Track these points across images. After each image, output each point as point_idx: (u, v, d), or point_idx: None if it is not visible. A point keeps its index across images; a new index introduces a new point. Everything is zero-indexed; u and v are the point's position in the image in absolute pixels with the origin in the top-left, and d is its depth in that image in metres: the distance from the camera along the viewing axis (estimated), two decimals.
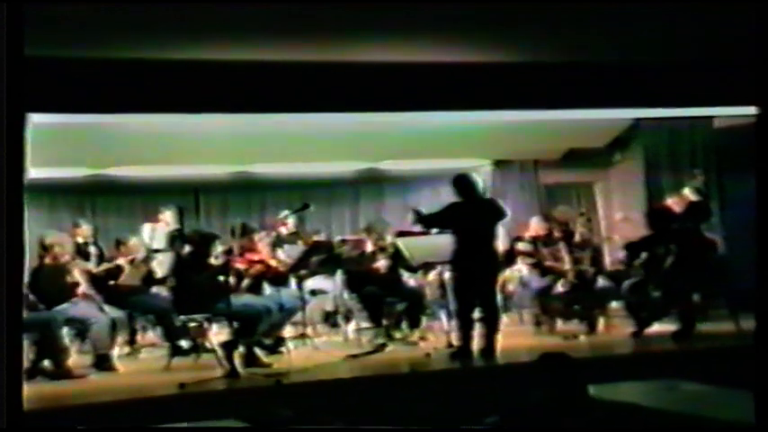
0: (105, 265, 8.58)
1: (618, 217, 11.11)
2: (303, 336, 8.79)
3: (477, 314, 7.88)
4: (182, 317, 7.83)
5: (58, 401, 6.41)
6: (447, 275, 8.33)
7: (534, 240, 9.85)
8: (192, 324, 7.95)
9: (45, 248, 7.82)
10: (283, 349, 8.30)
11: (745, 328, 8.59)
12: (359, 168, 12.16)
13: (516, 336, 9.10)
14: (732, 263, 9.47)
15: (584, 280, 9.42)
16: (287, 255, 8.95)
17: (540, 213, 10.88)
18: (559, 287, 9.39)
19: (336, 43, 7.74)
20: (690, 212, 8.76)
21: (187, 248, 8.21)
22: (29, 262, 7.00)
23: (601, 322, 9.41)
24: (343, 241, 10.06)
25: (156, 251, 9.13)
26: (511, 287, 9.96)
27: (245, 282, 8.27)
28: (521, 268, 9.87)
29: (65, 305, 7.71)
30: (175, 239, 9.21)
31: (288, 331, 8.69)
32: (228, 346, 7.31)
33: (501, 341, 7.89)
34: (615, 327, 9.36)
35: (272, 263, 8.60)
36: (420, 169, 12.21)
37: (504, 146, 11.64)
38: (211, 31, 7.25)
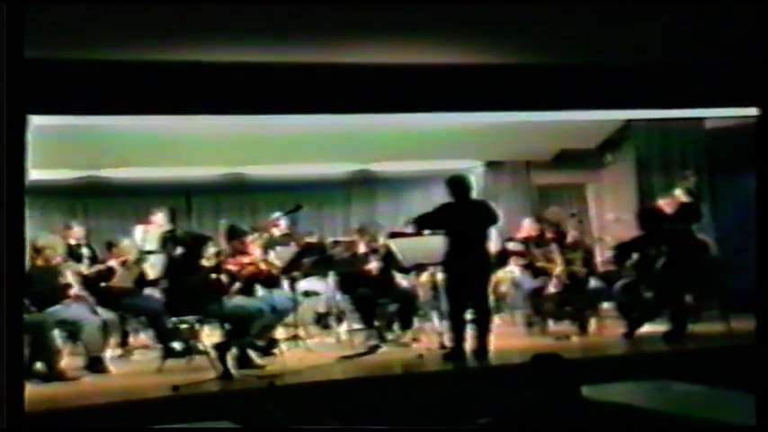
0: (97, 267, 8.57)
1: (609, 218, 11.12)
2: (296, 337, 8.80)
3: (469, 315, 7.90)
4: (174, 318, 7.83)
5: (50, 404, 6.39)
6: (439, 276, 8.34)
7: (526, 241, 9.87)
8: (185, 326, 7.94)
9: (37, 250, 7.81)
10: (276, 351, 8.30)
11: (737, 328, 8.64)
12: (351, 170, 12.15)
13: (508, 336, 9.12)
14: (723, 263, 9.51)
15: (575, 281, 9.45)
16: (278, 257, 8.93)
17: (532, 214, 10.91)
18: (551, 288, 9.41)
19: (328, 45, 7.75)
20: (681, 213, 8.78)
21: (179, 250, 8.22)
22: None
23: (592, 323, 9.44)
24: (336, 243, 10.06)
25: (149, 253, 9.11)
26: (503, 288, 9.99)
27: (237, 283, 8.26)
28: (513, 269, 9.89)
29: (57, 307, 7.70)
30: (167, 241, 9.21)
31: (280, 333, 8.69)
32: (221, 348, 7.31)
33: (493, 342, 7.91)
34: (607, 327, 9.39)
35: (263, 265, 8.59)
36: (412, 170, 12.22)
37: (496, 147, 11.65)
38: (203, 32, 7.26)
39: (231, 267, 8.12)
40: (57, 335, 7.60)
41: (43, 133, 7.47)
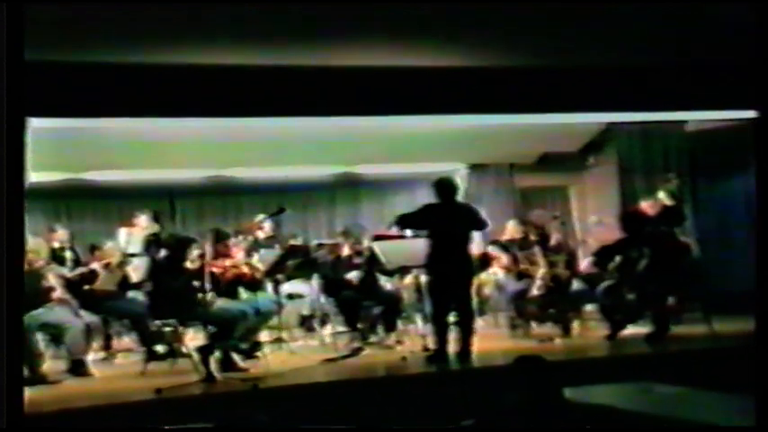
0: (80, 270, 8.55)
1: (592, 220, 11.16)
2: (279, 340, 8.80)
3: (452, 318, 7.92)
4: (157, 321, 7.82)
5: (32, 407, 6.35)
6: (423, 279, 8.35)
7: (510, 244, 9.89)
8: (168, 329, 7.93)
9: None
10: (259, 353, 8.30)
11: (719, 330, 8.70)
12: (335, 172, 12.15)
13: (492, 339, 9.14)
14: (705, 265, 9.56)
15: (558, 283, 9.48)
16: (262, 259, 8.93)
17: (516, 217, 10.94)
18: (534, 290, 9.43)
19: (312, 48, 7.75)
20: (663, 216, 8.83)
21: (163, 253, 8.20)
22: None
23: (575, 325, 9.47)
24: (320, 245, 10.06)
25: (132, 255, 9.09)
26: (487, 290, 10.01)
27: (221, 286, 8.25)
28: (496, 271, 9.91)
29: (39, 310, 7.67)
30: (152, 244, 9.19)
31: (264, 335, 8.69)
32: (204, 351, 7.30)
33: (477, 344, 7.93)
34: (590, 329, 9.42)
35: (246, 268, 8.58)
36: (396, 173, 12.23)
37: (480, 149, 11.66)
38: (190, 35, 7.25)
39: (215, 270, 8.10)
40: (39, 338, 7.58)
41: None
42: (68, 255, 9.10)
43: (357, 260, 9.38)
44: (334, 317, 9.41)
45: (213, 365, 7.22)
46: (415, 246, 8.09)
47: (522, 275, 9.64)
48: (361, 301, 9.08)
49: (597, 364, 7.82)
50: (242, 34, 7.40)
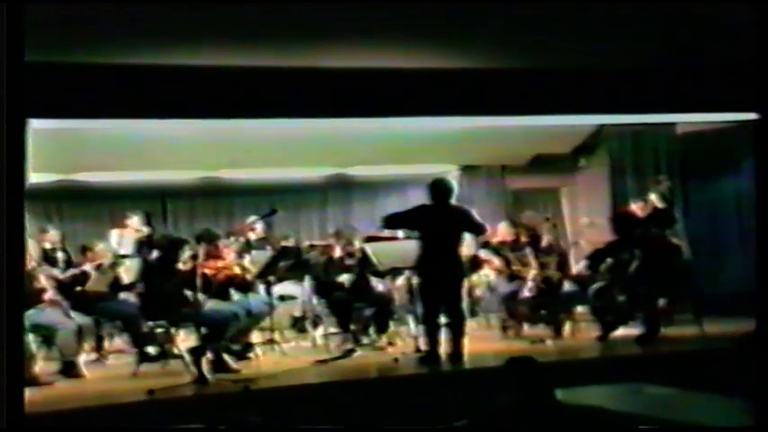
0: (72, 271, 8.53)
1: (584, 222, 11.19)
2: (271, 341, 8.79)
3: (444, 319, 7.93)
4: (149, 323, 7.81)
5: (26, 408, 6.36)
6: (415, 280, 8.36)
7: (501, 245, 9.91)
8: (160, 330, 7.92)
9: None
10: (251, 355, 8.30)
11: (709, 331, 8.73)
12: (327, 174, 12.16)
13: (483, 340, 9.15)
14: (696, 267, 9.59)
15: (550, 285, 9.49)
16: (253, 261, 8.93)
17: (508, 218, 10.96)
18: (526, 292, 9.45)
19: (305, 49, 7.76)
20: (654, 218, 8.85)
21: (155, 254, 8.20)
22: None
23: (567, 326, 9.48)
24: (312, 246, 10.06)
25: (123, 257, 9.08)
26: (478, 292, 10.02)
27: (213, 288, 8.24)
28: (488, 273, 9.92)
29: (31, 311, 7.64)
30: (144, 245, 9.18)
31: (256, 337, 8.68)
32: (196, 352, 7.30)
33: (468, 346, 7.93)
34: (581, 331, 9.44)
35: (238, 269, 8.58)
36: (388, 175, 12.24)
37: (472, 151, 11.68)
38: (181, 37, 7.25)
39: (207, 271, 8.10)
40: (31, 339, 7.56)
41: None
42: (60, 256, 9.08)
43: (349, 261, 9.38)
44: (325, 318, 9.40)
45: (205, 367, 7.21)
46: (407, 247, 8.09)
47: (513, 277, 9.65)
48: (352, 302, 9.08)
49: (588, 365, 7.85)
50: (233, 36, 7.40)
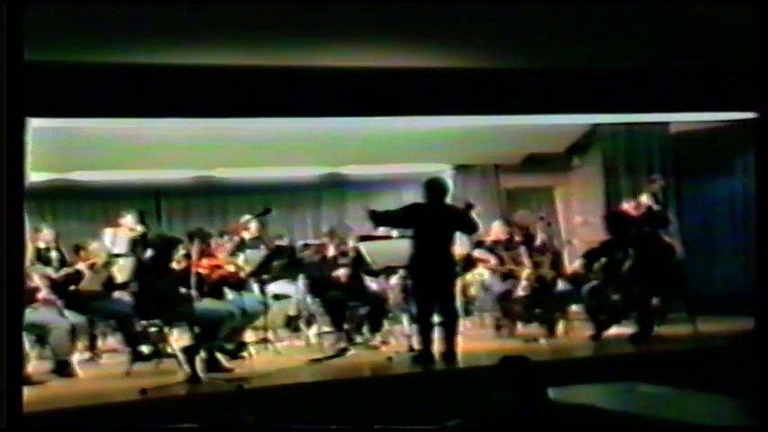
0: (65, 270, 8.51)
1: (577, 221, 11.20)
2: (265, 340, 8.79)
3: (437, 318, 7.93)
4: (143, 322, 7.81)
5: None
6: (409, 279, 8.36)
7: (495, 244, 9.92)
8: (154, 329, 7.92)
9: None
10: (245, 354, 8.30)
11: (702, 330, 8.75)
12: (321, 173, 12.16)
13: (477, 339, 9.17)
14: (689, 266, 9.60)
15: (544, 283, 9.50)
16: (248, 260, 8.93)
17: (501, 217, 10.97)
18: (520, 291, 9.46)
19: (300, 48, 7.75)
20: (648, 217, 8.87)
21: (149, 253, 8.19)
22: None
23: (561, 325, 9.49)
24: (306, 245, 10.06)
25: (117, 256, 9.07)
26: (472, 291, 10.03)
27: (207, 287, 8.24)
28: (482, 272, 9.92)
29: (24, 310, 7.63)
30: (138, 244, 9.16)
31: (250, 336, 8.68)
32: (190, 351, 7.29)
33: (462, 344, 7.95)
34: (575, 330, 9.45)
35: (232, 268, 8.57)
36: (382, 174, 12.24)
37: (466, 150, 11.68)
38: (175, 35, 7.24)
39: (201, 270, 8.10)
40: (24, 338, 7.54)
41: None
42: (54, 255, 9.05)
43: (343, 260, 9.38)
44: (319, 317, 9.40)
45: (198, 366, 7.21)
46: (401, 246, 8.10)
47: (507, 276, 9.66)
48: (346, 301, 9.09)
49: (582, 364, 7.86)
50: (227, 35, 7.39)
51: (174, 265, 7.79)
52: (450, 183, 8.27)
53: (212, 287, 8.27)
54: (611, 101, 8.98)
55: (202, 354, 7.47)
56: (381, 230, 8.89)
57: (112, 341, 9.01)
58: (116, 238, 9.72)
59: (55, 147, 9.22)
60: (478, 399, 4.64)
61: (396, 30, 7.59)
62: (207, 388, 6.92)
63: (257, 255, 9.13)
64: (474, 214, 8.14)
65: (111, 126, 8.71)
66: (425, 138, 10.43)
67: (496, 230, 10.08)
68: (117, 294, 8.66)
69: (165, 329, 7.80)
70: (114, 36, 7.06)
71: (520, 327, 9.65)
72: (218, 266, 8.43)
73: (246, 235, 9.90)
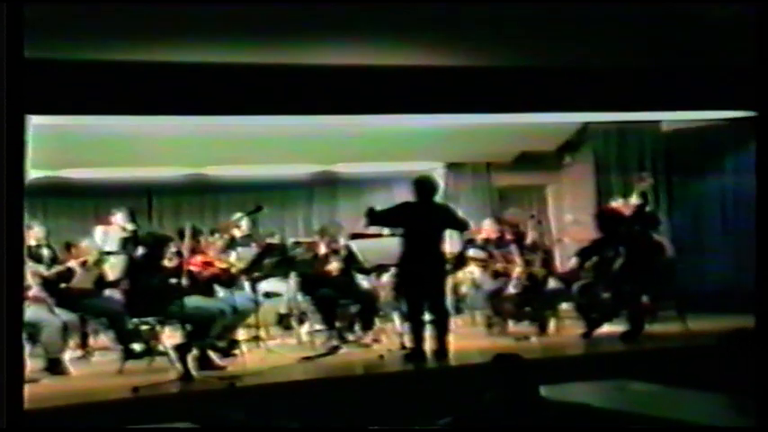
0: (57, 268, 8.50)
1: (568, 219, 11.22)
2: (257, 338, 8.79)
3: (428, 316, 7.94)
4: (134, 320, 7.80)
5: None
6: (399, 278, 8.37)
7: (486, 242, 9.93)
8: (145, 327, 7.91)
9: None
10: (237, 352, 8.29)
11: (693, 328, 8.78)
12: (313, 171, 12.15)
13: (469, 337, 9.18)
14: (680, 265, 9.63)
15: (535, 282, 9.52)
16: (239, 258, 8.93)
17: (493, 215, 10.98)
18: (511, 289, 9.47)
19: (290, 46, 7.76)
20: (638, 215, 8.89)
21: (140, 251, 8.18)
22: None
23: (552, 323, 9.51)
24: (297, 243, 10.06)
25: (108, 253, 9.05)
26: (463, 289, 10.03)
27: (198, 284, 8.23)
28: (473, 270, 9.93)
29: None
30: (128, 242, 9.15)
31: (241, 334, 8.68)
32: (182, 349, 7.29)
33: (454, 343, 7.96)
34: (566, 328, 9.47)
35: (223, 266, 8.56)
36: (374, 172, 12.23)
37: (457, 148, 11.68)
38: (166, 33, 7.24)
39: (192, 268, 8.09)
40: None
41: None
42: (45, 253, 9.03)
43: (334, 258, 9.38)
44: (311, 315, 9.40)
45: (190, 364, 7.22)
46: (393, 244, 8.11)
47: (498, 274, 9.67)
48: (338, 299, 9.09)
49: (573, 362, 7.88)
50: (219, 33, 7.40)
51: (166, 263, 7.78)
52: (438, 181, 8.25)
53: (203, 285, 8.26)
54: (603, 99, 8.98)
55: (194, 351, 7.48)
56: (373, 229, 8.90)
57: (104, 339, 8.98)
58: (107, 236, 9.69)
59: (46, 144, 9.21)
60: (470, 397, 4.65)
61: (387, 28, 7.61)
62: (199, 386, 6.92)
63: (248, 252, 9.12)
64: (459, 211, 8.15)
65: (103, 124, 8.69)
66: (417, 136, 10.44)
67: (487, 228, 10.09)
68: (108, 292, 8.62)
69: (157, 327, 7.80)
70: (108, 34, 7.07)
71: (511, 325, 9.66)
72: (210, 264, 8.42)
73: (238, 233, 9.89)
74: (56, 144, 9.26)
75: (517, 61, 8.50)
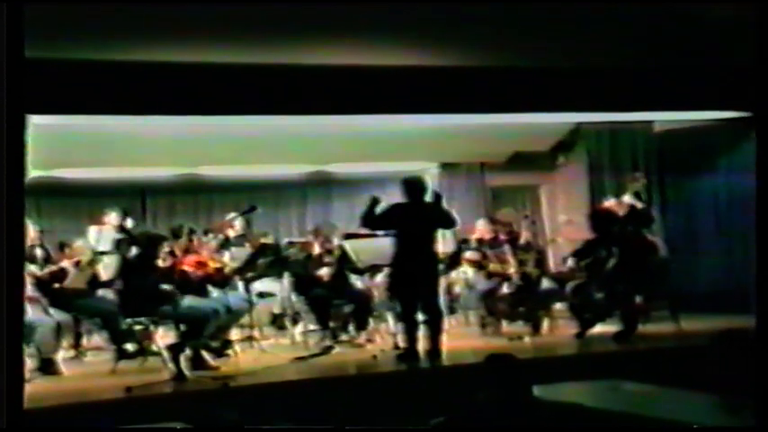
0: (50, 268, 8.49)
1: (562, 219, 11.23)
2: (250, 338, 8.79)
3: (422, 316, 7.95)
4: (128, 320, 7.79)
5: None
6: (393, 278, 8.37)
7: (480, 242, 9.94)
8: (138, 327, 7.90)
9: None
10: (230, 352, 8.29)
11: (686, 328, 8.80)
12: (307, 171, 12.15)
13: (462, 337, 9.19)
14: (673, 265, 9.65)
15: (528, 282, 9.53)
16: (232, 258, 8.92)
17: (486, 215, 10.99)
18: (504, 289, 9.48)
19: (284, 46, 7.76)
20: (632, 215, 8.91)
21: (134, 251, 8.17)
22: None
23: (545, 323, 9.52)
24: (291, 243, 10.06)
25: (102, 253, 9.04)
26: (457, 289, 10.04)
27: (192, 284, 8.23)
28: (466, 270, 9.94)
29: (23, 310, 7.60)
30: (122, 242, 9.13)
31: (235, 334, 8.67)
32: (175, 349, 7.29)
33: (447, 343, 7.97)
34: (559, 328, 9.48)
35: (214, 265, 8.56)
36: (367, 172, 12.23)
37: (451, 149, 11.70)
38: (159, 32, 7.24)
39: (186, 268, 8.09)
40: None
41: None
42: (38, 253, 9.02)
43: (328, 258, 9.38)
44: (304, 315, 9.40)
45: (184, 364, 7.21)
46: (386, 244, 8.11)
47: (491, 274, 9.68)
48: (331, 299, 9.09)
49: (566, 362, 7.90)
50: (213, 33, 7.39)
51: (159, 263, 7.77)
52: (427, 180, 8.25)
53: (197, 285, 8.26)
54: (599, 100, 8.99)
55: (187, 351, 7.47)
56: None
57: (97, 339, 8.98)
58: (101, 236, 9.67)
59: (38, 144, 9.19)
60: (463, 397, 4.65)
61: (381, 28, 7.62)
62: (192, 386, 6.92)
63: (242, 252, 9.12)
64: (446, 205, 8.15)
65: (96, 123, 8.68)
66: (411, 136, 10.44)
67: (481, 228, 10.10)
68: (102, 292, 8.62)
69: (150, 327, 7.79)
70: (108, 34, 7.06)
71: (505, 325, 9.67)
72: (203, 264, 8.42)
73: (231, 233, 9.89)
74: (48, 144, 9.24)
75: (512, 61, 8.50)
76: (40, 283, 8.18)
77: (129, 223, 9.75)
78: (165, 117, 8.32)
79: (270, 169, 11.76)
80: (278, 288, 9.73)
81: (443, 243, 8.86)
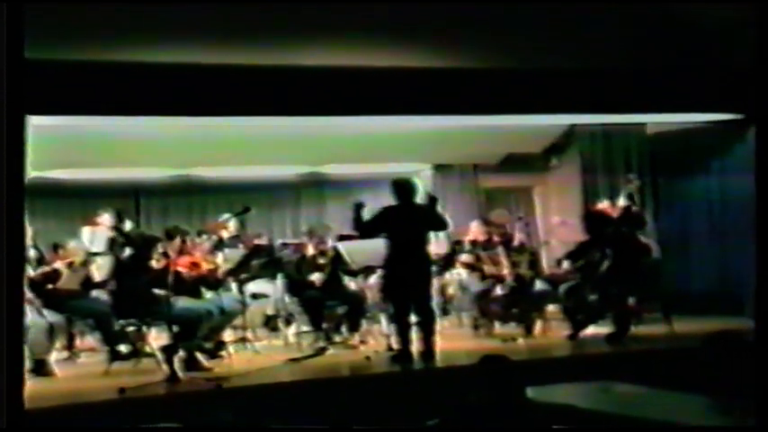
0: (43, 269, 8.47)
1: (555, 221, 11.25)
2: (244, 339, 8.79)
3: (415, 318, 7.95)
4: (121, 321, 7.79)
5: None
6: (386, 279, 8.38)
7: (473, 244, 9.95)
8: (132, 328, 7.90)
9: None
10: (224, 353, 8.28)
11: (678, 330, 8.82)
12: (301, 172, 12.16)
13: (456, 339, 9.19)
14: (666, 266, 9.67)
15: (521, 283, 9.54)
16: (226, 259, 8.92)
17: (480, 217, 11.00)
18: (498, 290, 9.49)
19: (278, 47, 7.76)
20: (625, 217, 8.92)
21: (128, 252, 8.16)
22: None
23: (538, 325, 9.53)
24: (284, 245, 10.06)
25: (95, 254, 9.03)
26: (450, 290, 10.05)
27: (185, 285, 8.21)
28: (460, 272, 9.95)
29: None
30: (116, 243, 9.13)
31: (228, 335, 8.67)
32: (168, 350, 7.29)
33: (440, 344, 7.97)
34: (552, 329, 9.49)
35: (207, 266, 8.55)
36: (361, 173, 12.24)
37: (445, 150, 11.72)
38: (156, 34, 7.24)
39: (179, 269, 8.08)
40: None
41: None
42: (32, 253, 9.01)
43: (322, 260, 9.38)
44: (298, 316, 9.40)
45: (177, 365, 7.21)
46: (380, 246, 8.11)
47: (485, 276, 9.69)
48: (325, 300, 9.09)
49: (559, 363, 7.90)
50: (208, 34, 7.40)
51: (153, 264, 7.77)
52: (417, 182, 8.25)
53: (190, 286, 8.24)
54: (595, 101, 9.00)
55: (181, 353, 7.47)
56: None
57: (91, 340, 8.97)
58: (94, 237, 9.66)
59: (33, 145, 9.19)
60: (457, 398, 4.66)
61: (375, 29, 7.63)
62: (186, 387, 6.92)
63: (236, 254, 9.12)
64: (439, 208, 8.15)
65: (90, 124, 8.67)
66: (405, 137, 10.46)
67: (474, 230, 10.11)
68: (95, 293, 8.61)
69: (144, 328, 7.79)
70: (107, 34, 7.07)
71: (498, 326, 9.68)
72: (197, 265, 8.41)
73: (225, 234, 9.89)
74: (42, 144, 9.24)
75: (507, 63, 8.52)
76: (34, 284, 8.15)
77: (123, 224, 9.74)
78: (160, 118, 8.32)
79: (264, 170, 11.77)
80: (271, 289, 9.73)
81: (437, 245, 8.88)
